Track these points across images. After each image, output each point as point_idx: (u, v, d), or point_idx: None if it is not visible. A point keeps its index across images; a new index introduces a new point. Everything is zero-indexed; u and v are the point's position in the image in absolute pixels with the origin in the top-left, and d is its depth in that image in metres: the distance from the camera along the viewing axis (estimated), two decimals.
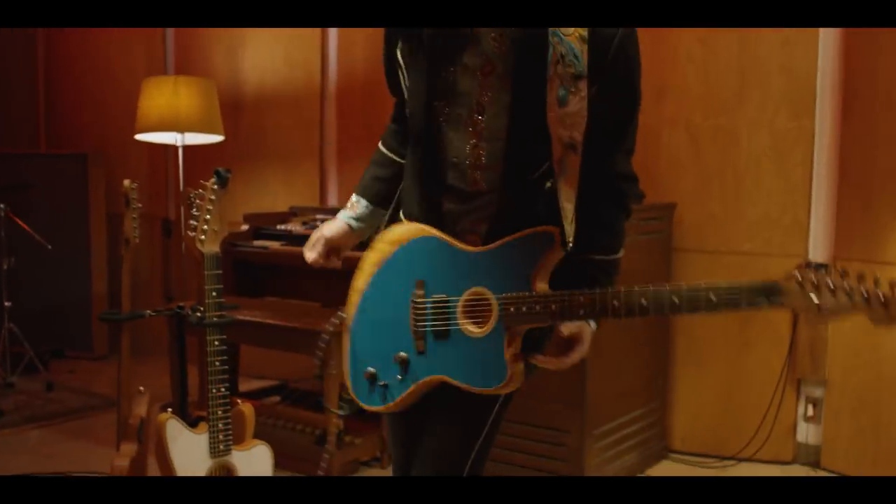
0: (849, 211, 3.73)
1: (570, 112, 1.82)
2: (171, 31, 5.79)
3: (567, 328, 1.85)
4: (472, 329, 1.88)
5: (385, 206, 2.09)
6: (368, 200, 2.11)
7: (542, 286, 1.84)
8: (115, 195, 5.86)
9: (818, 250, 3.80)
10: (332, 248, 2.09)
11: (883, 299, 1.52)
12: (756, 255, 3.88)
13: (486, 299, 1.87)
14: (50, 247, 4.98)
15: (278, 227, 4.52)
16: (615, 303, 1.74)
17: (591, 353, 3.51)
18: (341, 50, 5.07)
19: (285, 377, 4.85)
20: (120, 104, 5.91)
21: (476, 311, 1.88)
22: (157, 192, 5.86)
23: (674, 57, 4.03)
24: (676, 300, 1.68)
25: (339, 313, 2.07)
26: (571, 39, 1.80)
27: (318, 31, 5.09)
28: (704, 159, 3.97)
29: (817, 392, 3.85)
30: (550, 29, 1.80)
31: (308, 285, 4.47)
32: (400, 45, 1.95)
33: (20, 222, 4.92)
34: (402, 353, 1.95)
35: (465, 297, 1.89)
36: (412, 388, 1.95)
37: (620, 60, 1.84)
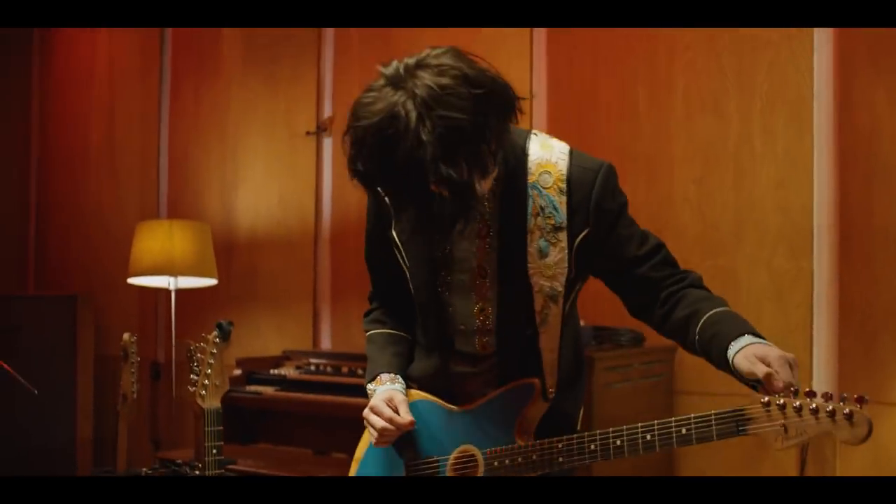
0: (851, 350, 3.71)
1: (549, 263, 1.88)
2: (164, 170, 5.83)
3: None
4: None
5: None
6: (398, 374, 2.07)
7: (524, 438, 1.89)
8: (104, 338, 5.83)
9: (821, 390, 3.74)
10: (395, 403, 1.99)
11: (847, 413, 1.51)
12: (757, 397, 3.84)
13: (473, 455, 1.93)
14: (36, 392, 4.87)
15: (272, 371, 4.46)
16: (592, 446, 1.79)
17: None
18: (336, 191, 5.10)
19: None
20: (110, 246, 5.92)
21: (466, 467, 1.93)
22: (147, 335, 5.81)
23: (670, 197, 4.07)
24: (649, 437, 1.73)
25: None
26: (550, 192, 1.86)
27: (312, 171, 5.14)
28: None
29: None
30: (529, 182, 1.86)
31: (300, 432, 4.40)
32: (395, 224, 1.95)
33: (7, 367, 4.82)
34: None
35: (454, 455, 1.95)
36: None
37: (603, 201, 1.89)
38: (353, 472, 2.12)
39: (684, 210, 4.03)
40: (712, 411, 1.69)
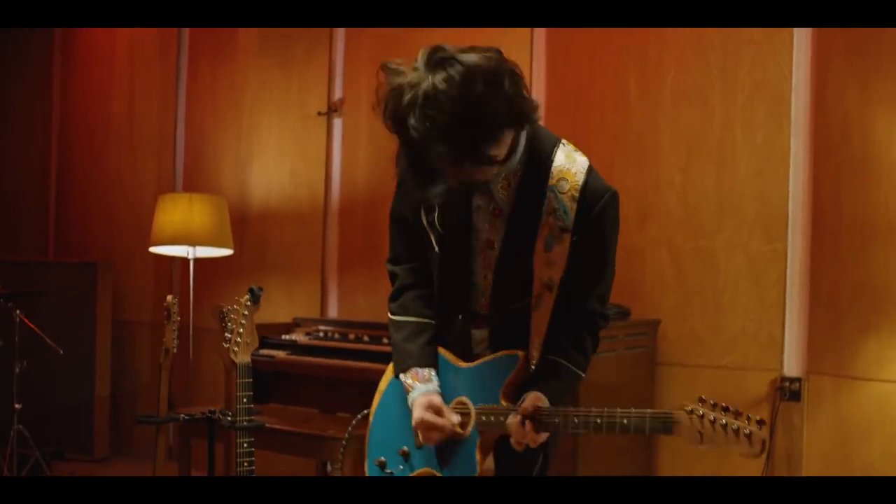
0: (820, 328, 4.01)
1: (553, 258, 2.16)
2: (181, 145, 6.11)
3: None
4: (458, 429, 2.22)
5: (435, 365, 2.34)
6: (430, 367, 2.32)
7: (508, 401, 2.19)
8: (123, 303, 6.14)
9: (792, 365, 4.07)
10: (437, 410, 2.25)
11: (747, 433, 1.81)
12: (734, 369, 4.15)
13: (467, 406, 2.23)
14: (62, 352, 5.19)
15: (283, 337, 4.75)
16: (556, 419, 2.09)
17: (583, 461, 3.76)
18: (344, 169, 5.38)
19: None
20: (128, 215, 6.21)
21: (461, 415, 2.23)
22: (163, 301, 6.06)
23: (656, 183, 4.35)
24: (599, 421, 2.04)
25: (364, 412, 2.45)
26: (564, 198, 2.14)
27: (322, 149, 5.41)
28: (686, 278, 4.27)
29: None
30: (549, 184, 2.14)
31: (309, 393, 4.67)
32: (425, 212, 2.25)
33: (34, 328, 5.14)
34: (405, 448, 2.32)
35: (452, 403, 2.26)
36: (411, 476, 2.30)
37: (601, 220, 2.17)
38: (375, 401, 2.44)
39: (670, 195, 4.32)
40: (649, 411, 1.99)
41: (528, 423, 2.10)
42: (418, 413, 2.23)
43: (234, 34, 5.77)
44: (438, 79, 1.90)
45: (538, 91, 4.69)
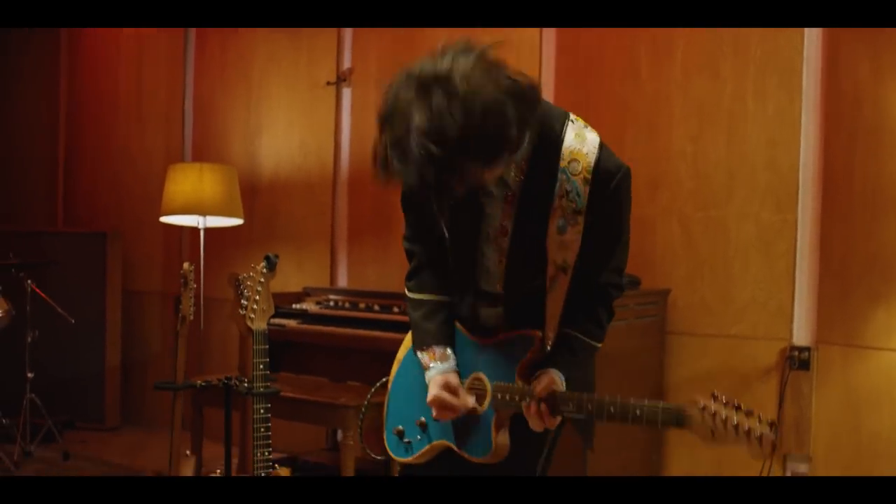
0: (829, 298, 4.03)
1: (566, 240, 2.15)
2: (190, 116, 6.11)
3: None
4: (472, 407, 2.24)
5: (452, 344, 2.34)
6: (447, 345, 2.32)
7: (523, 381, 2.20)
8: (133, 273, 6.17)
9: (801, 334, 4.09)
10: (453, 390, 2.26)
11: (758, 436, 1.82)
12: (744, 338, 4.17)
13: (483, 382, 2.25)
14: (73, 321, 5.23)
15: (294, 306, 4.78)
16: (570, 405, 2.10)
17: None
18: (353, 139, 5.39)
19: (294, 451, 5.07)
20: (137, 186, 6.23)
21: (478, 391, 2.25)
22: (172, 271, 6.11)
23: (667, 152, 4.36)
24: (612, 410, 2.03)
25: (384, 379, 2.46)
26: (577, 179, 2.12)
27: (331, 119, 5.42)
28: (696, 248, 4.28)
29: (802, 467, 4.11)
30: (560, 166, 2.12)
31: (319, 362, 4.72)
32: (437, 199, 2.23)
33: (46, 298, 5.17)
34: (422, 418, 2.34)
35: (469, 379, 2.27)
36: (427, 447, 2.32)
37: (615, 198, 2.16)
38: (394, 370, 2.46)
39: (680, 165, 4.33)
40: (661, 403, 1.99)
41: (543, 406, 2.11)
42: (434, 391, 2.24)
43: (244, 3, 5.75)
44: (424, 110, 1.84)
45: (548, 63, 4.68)
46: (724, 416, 1.87)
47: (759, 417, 1.85)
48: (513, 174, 2.15)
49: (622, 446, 4.00)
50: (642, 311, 4.14)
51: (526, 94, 1.95)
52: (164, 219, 5.14)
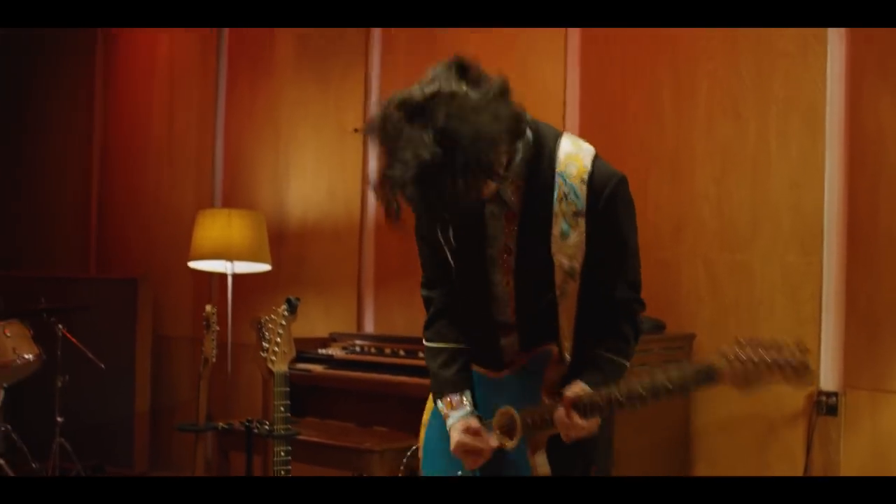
0: (856, 342, 3.98)
1: (570, 244, 2.15)
2: (220, 161, 6.19)
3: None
4: (506, 442, 2.22)
5: (471, 390, 2.36)
6: (463, 391, 2.34)
7: (549, 398, 2.19)
8: (162, 318, 6.22)
9: (828, 379, 4.04)
10: (474, 432, 2.27)
11: (792, 364, 1.86)
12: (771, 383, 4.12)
13: (511, 415, 2.23)
14: (103, 366, 5.28)
15: (320, 351, 4.80)
16: (600, 402, 2.09)
17: (617, 475, 3.75)
18: None
19: None
20: (168, 232, 6.29)
21: (508, 425, 2.23)
22: (201, 316, 6.14)
23: (691, 195, 4.35)
24: (643, 392, 2.03)
25: (414, 447, 2.46)
26: (574, 182, 2.13)
27: (359, 165, 5.47)
28: (721, 291, 4.26)
29: None
30: (557, 170, 2.13)
31: (346, 407, 4.72)
32: (440, 229, 2.26)
33: (77, 343, 5.23)
34: (458, 472, 2.31)
35: (497, 416, 2.26)
36: None
37: (612, 205, 2.16)
38: (421, 435, 2.46)
39: (704, 207, 4.32)
40: (687, 367, 2.01)
41: (572, 412, 2.10)
42: (456, 437, 2.25)
43: (272, 49, 5.85)
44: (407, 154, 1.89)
45: (572, 106, 4.71)
46: (753, 359, 1.85)
47: (787, 347, 1.85)
48: (509, 192, 2.17)
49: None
50: (668, 355, 4.11)
51: (508, 112, 2.01)
52: (192, 264, 5.20)
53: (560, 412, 2.12)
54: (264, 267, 5.19)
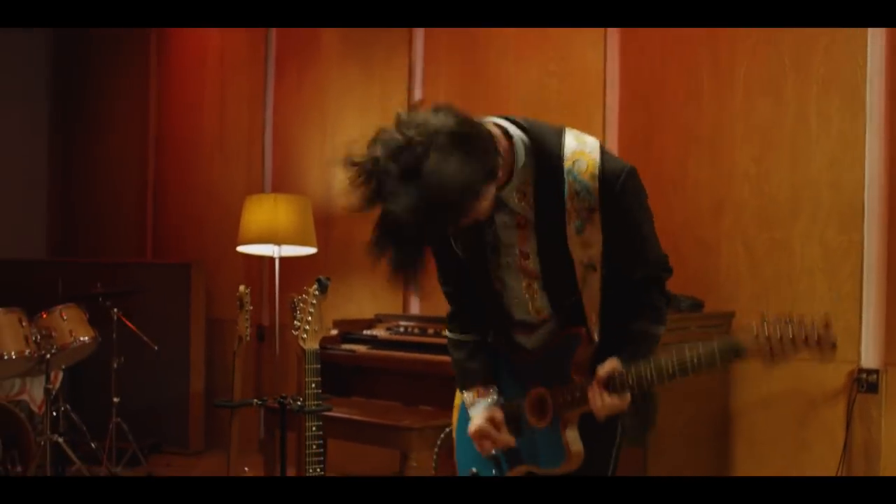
0: None
1: (587, 239, 2.18)
2: (269, 148, 6.30)
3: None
4: (537, 422, 2.28)
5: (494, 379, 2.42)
6: (490, 383, 2.41)
7: (579, 377, 2.23)
8: (214, 301, 6.36)
9: (869, 356, 4.01)
10: (497, 424, 2.34)
11: (816, 340, 1.88)
12: (810, 361, 4.10)
13: (544, 395, 2.27)
14: (157, 348, 5.43)
15: (364, 332, 4.89)
16: (629, 380, 2.13)
17: (653, 453, 3.79)
18: None
19: (367, 473, 5.16)
20: (220, 218, 6.43)
21: (541, 406, 2.28)
22: (253, 300, 6.23)
23: (730, 174, 4.35)
24: (671, 369, 2.06)
25: (447, 429, 2.53)
26: (585, 177, 2.14)
27: None
28: (761, 270, 4.25)
29: None
30: (565, 167, 2.14)
31: (390, 386, 4.81)
32: (452, 240, 2.30)
33: (131, 325, 5.39)
34: (493, 452, 2.36)
35: (528, 398, 2.31)
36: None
37: (623, 198, 2.17)
38: (454, 417, 2.53)
39: (744, 186, 4.31)
40: (715, 344, 2.02)
41: (603, 390, 2.13)
42: (478, 421, 2.31)
43: (318, 38, 5.94)
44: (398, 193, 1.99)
45: (612, 87, 4.72)
46: (778, 335, 1.89)
47: (812, 323, 1.88)
48: (515, 199, 2.18)
49: (684, 470, 3.99)
50: (705, 333, 4.11)
51: (475, 145, 1.99)
52: (240, 248, 5.32)
53: (593, 390, 2.16)
54: (310, 250, 5.29)
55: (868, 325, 4.04)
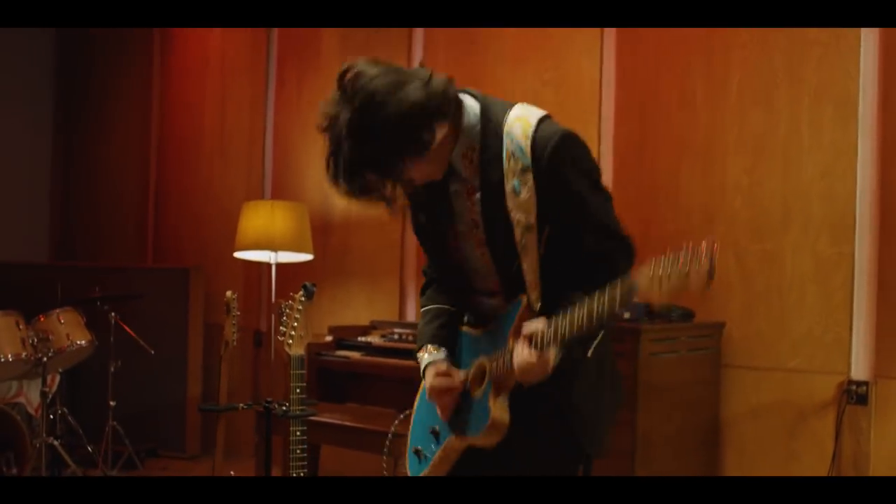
0: (888, 330, 3.96)
1: (523, 200, 2.20)
2: (269, 154, 6.34)
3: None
4: (475, 392, 2.30)
5: (450, 346, 2.45)
6: (440, 343, 2.44)
7: (514, 341, 2.22)
8: (213, 306, 6.39)
9: (859, 368, 4.03)
10: (443, 373, 2.37)
11: (707, 267, 1.89)
12: (800, 371, 4.13)
13: (484, 364, 2.30)
14: (153, 352, 5.46)
15: (359, 338, 4.91)
16: (549, 335, 2.12)
17: (641, 462, 3.79)
18: None
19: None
20: (219, 223, 6.46)
21: (480, 376, 2.31)
22: (251, 305, 6.32)
23: (722, 185, 4.36)
24: (581, 317, 2.04)
25: (407, 411, 2.55)
26: (520, 139, 2.19)
27: None
28: (752, 281, 4.27)
29: None
30: (505, 130, 2.21)
31: (384, 393, 4.82)
32: (413, 209, 2.39)
33: (128, 329, 5.42)
34: (435, 426, 2.41)
35: (472, 368, 2.33)
36: (441, 452, 2.38)
37: (556, 158, 2.19)
38: (416, 402, 2.56)
39: (736, 197, 4.33)
40: (618, 288, 1.98)
41: (526, 345, 2.14)
42: (428, 381, 2.35)
43: (318, 44, 5.97)
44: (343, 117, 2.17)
45: (607, 97, 4.74)
46: (668, 273, 1.90)
47: (699, 256, 1.89)
48: (464, 167, 2.24)
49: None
50: (695, 343, 4.14)
51: (433, 94, 2.11)
52: (237, 254, 5.35)
53: (517, 344, 2.16)
54: (306, 257, 5.32)
55: (858, 336, 4.05)
